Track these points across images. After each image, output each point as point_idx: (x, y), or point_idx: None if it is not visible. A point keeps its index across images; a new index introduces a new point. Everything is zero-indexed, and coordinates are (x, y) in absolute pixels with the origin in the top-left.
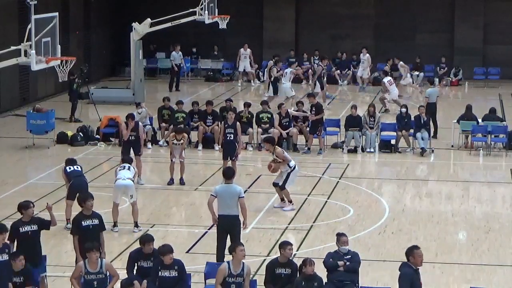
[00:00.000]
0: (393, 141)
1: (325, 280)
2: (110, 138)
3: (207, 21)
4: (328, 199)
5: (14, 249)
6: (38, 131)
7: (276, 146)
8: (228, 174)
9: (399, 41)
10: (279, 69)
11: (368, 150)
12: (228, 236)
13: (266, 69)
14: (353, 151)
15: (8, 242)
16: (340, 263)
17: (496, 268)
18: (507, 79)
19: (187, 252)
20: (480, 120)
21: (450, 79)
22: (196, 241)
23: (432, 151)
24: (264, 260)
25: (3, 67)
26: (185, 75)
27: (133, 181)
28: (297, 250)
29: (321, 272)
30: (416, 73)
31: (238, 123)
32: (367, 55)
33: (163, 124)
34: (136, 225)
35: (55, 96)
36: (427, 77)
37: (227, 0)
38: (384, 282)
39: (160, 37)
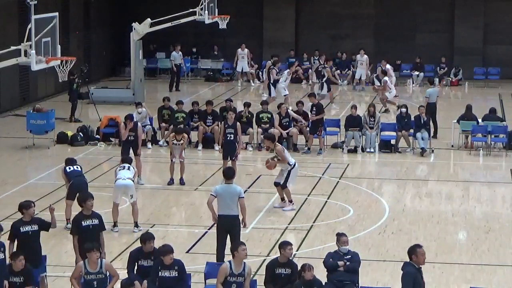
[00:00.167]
0: (393, 141)
1: (325, 280)
2: (110, 138)
3: (207, 21)
4: (328, 199)
5: (15, 249)
6: (38, 131)
7: (277, 143)
8: (228, 174)
9: (399, 41)
10: (278, 71)
11: (368, 150)
12: (228, 236)
13: (264, 70)
14: (353, 151)
15: (2, 241)
16: (340, 263)
17: (496, 268)
18: (507, 79)
19: (187, 252)
20: (480, 120)
21: (450, 79)
22: (196, 241)
23: (432, 151)
24: (264, 260)
25: (3, 67)
26: (185, 75)
27: (133, 181)
28: (297, 250)
29: (321, 272)
30: (416, 73)
31: (238, 123)
32: (365, 56)
33: (163, 124)
34: (136, 225)
35: (55, 96)
36: (427, 77)
37: (227, 0)
38: (384, 282)
39: (160, 37)
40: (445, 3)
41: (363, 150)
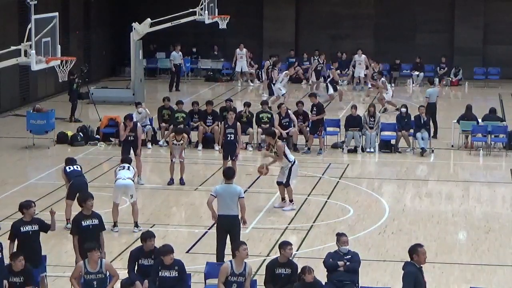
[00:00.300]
0: (393, 141)
1: (325, 280)
2: (110, 138)
3: (207, 21)
4: (328, 199)
5: (15, 249)
6: (38, 131)
7: (278, 139)
8: (229, 174)
9: (399, 41)
10: (279, 71)
11: (368, 150)
12: (228, 236)
13: (263, 70)
14: (353, 151)
15: (1, 241)
16: (340, 263)
17: (496, 268)
18: (507, 79)
19: (187, 252)
20: (480, 120)
21: (450, 79)
22: (196, 241)
23: (432, 151)
24: (264, 260)
25: (3, 67)
26: (185, 75)
27: (133, 180)
28: (297, 250)
29: (321, 272)
30: (416, 73)
31: (238, 123)
32: (363, 56)
33: (163, 124)
34: (136, 225)
35: (55, 96)
36: (427, 77)
37: (227, 0)
38: (384, 282)
39: (160, 37)
40: (445, 3)
41: (363, 150)
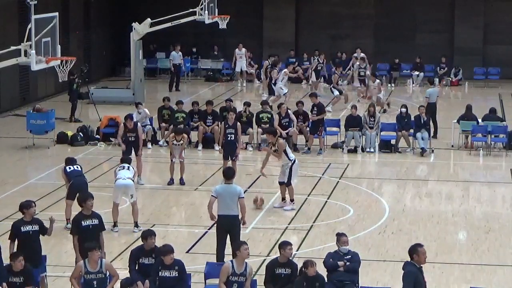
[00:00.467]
0: (393, 141)
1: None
2: (110, 138)
3: (207, 21)
4: (328, 199)
5: (15, 249)
6: (38, 131)
7: (279, 138)
8: (228, 174)
9: (399, 41)
10: (279, 71)
11: (368, 150)
12: (228, 236)
13: (262, 69)
14: (353, 151)
15: None
16: (340, 263)
17: (496, 268)
18: (507, 79)
19: (187, 252)
20: (480, 120)
21: (450, 79)
22: (196, 241)
23: (432, 151)
24: (264, 260)
25: (3, 67)
26: (185, 75)
27: (133, 180)
28: (297, 250)
29: (321, 272)
30: (416, 73)
31: (238, 123)
32: (362, 54)
33: (163, 124)
34: (136, 225)
35: (55, 96)
36: (427, 77)
37: (227, 0)
38: (384, 282)
39: (160, 37)
40: (445, 3)
41: (363, 150)
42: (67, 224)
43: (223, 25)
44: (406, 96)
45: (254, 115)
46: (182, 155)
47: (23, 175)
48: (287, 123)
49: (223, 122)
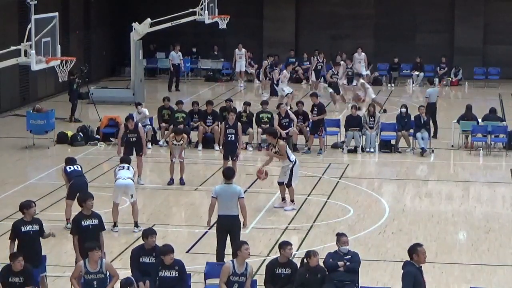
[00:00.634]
0: (393, 141)
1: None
2: (110, 138)
3: (207, 21)
4: (328, 199)
5: (15, 249)
6: (38, 131)
7: (279, 139)
8: (228, 175)
9: (399, 41)
10: (280, 71)
11: (368, 150)
12: (228, 236)
13: (261, 69)
14: (353, 151)
15: None
16: (340, 263)
17: (496, 268)
18: (507, 79)
19: (187, 252)
20: (480, 120)
21: (450, 79)
22: (196, 241)
23: (432, 151)
24: (264, 260)
25: (3, 67)
26: (185, 75)
27: (133, 180)
28: (297, 250)
29: None
30: (416, 73)
31: (239, 123)
32: (363, 54)
33: (163, 124)
34: (136, 225)
35: (55, 96)
36: (427, 77)
37: (227, 0)
38: (384, 282)
39: (160, 37)
40: (445, 3)
41: (363, 150)
42: (67, 224)
43: (223, 25)
44: (406, 96)
45: (254, 115)
46: (182, 155)
47: (23, 175)
48: (287, 123)
49: (223, 122)
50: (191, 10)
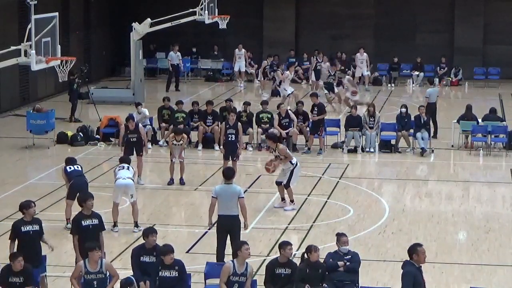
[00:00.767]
0: (393, 141)
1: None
2: (110, 138)
3: (207, 21)
4: (328, 199)
5: (15, 249)
6: (38, 131)
7: (279, 143)
8: (228, 175)
9: (399, 41)
10: (282, 71)
11: (368, 150)
12: (228, 236)
13: (260, 69)
14: (353, 151)
15: None
16: (340, 263)
17: (496, 268)
18: (507, 79)
19: (187, 252)
20: (480, 120)
21: (450, 79)
22: (196, 241)
23: (432, 151)
24: (264, 260)
25: (3, 67)
26: (185, 75)
27: (133, 180)
28: (297, 250)
29: None
30: (416, 73)
31: (239, 123)
32: (365, 54)
33: (163, 124)
34: (136, 225)
35: (55, 96)
36: (427, 77)
37: (227, 0)
38: (384, 282)
39: (160, 37)
40: (445, 3)
41: (363, 150)
42: (67, 224)
43: (223, 25)
44: (406, 96)
45: (254, 115)
46: (182, 155)
47: (23, 175)
48: (287, 123)
49: (223, 123)
50: (191, 10)
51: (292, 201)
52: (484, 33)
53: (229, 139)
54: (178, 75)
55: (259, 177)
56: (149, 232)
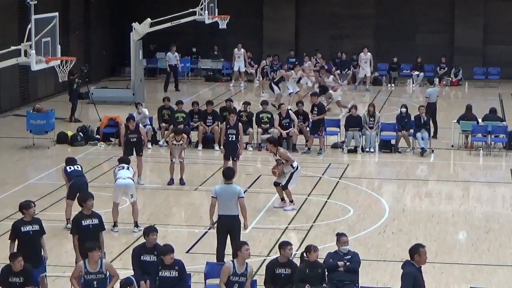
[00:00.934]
0: (393, 141)
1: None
2: (110, 138)
3: (207, 21)
4: (328, 199)
5: (15, 249)
6: (38, 131)
7: (279, 147)
8: (228, 175)
9: (399, 41)
10: (286, 70)
11: (368, 150)
12: (228, 236)
13: (258, 69)
14: (353, 151)
15: None
16: (340, 263)
17: (496, 268)
18: (507, 79)
19: (187, 252)
20: (480, 120)
21: (450, 79)
22: (196, 241)
23: (432, 151)
24: (264, 260)
25: (3, 67)
26: (185, 75)
27: (133, 180)
28: (297, 250)
29: None
30: (416, 73)
31: (240, 124)
32: (369, 53)
33: (163, 124)
34: (136, 225)
35: (55, 96)
36: (427, 77)
37: (227, 0)
38: (384, 282)
39: (160, 37)
40: (445, 3)
41: (363, 150)
42: (67, 224)
43: (223, 25)
44: (406, 96)
45: (254, 115)
46: (182, 155)
47: (23, 175)
48: (287, 124)
49: (224, 123)
50: (191, 10)
51: (291, 201)
52: (484, 33)
53: (230, 139)
54: (177, 76)
55: (259, 177)
56: (150, 231)
